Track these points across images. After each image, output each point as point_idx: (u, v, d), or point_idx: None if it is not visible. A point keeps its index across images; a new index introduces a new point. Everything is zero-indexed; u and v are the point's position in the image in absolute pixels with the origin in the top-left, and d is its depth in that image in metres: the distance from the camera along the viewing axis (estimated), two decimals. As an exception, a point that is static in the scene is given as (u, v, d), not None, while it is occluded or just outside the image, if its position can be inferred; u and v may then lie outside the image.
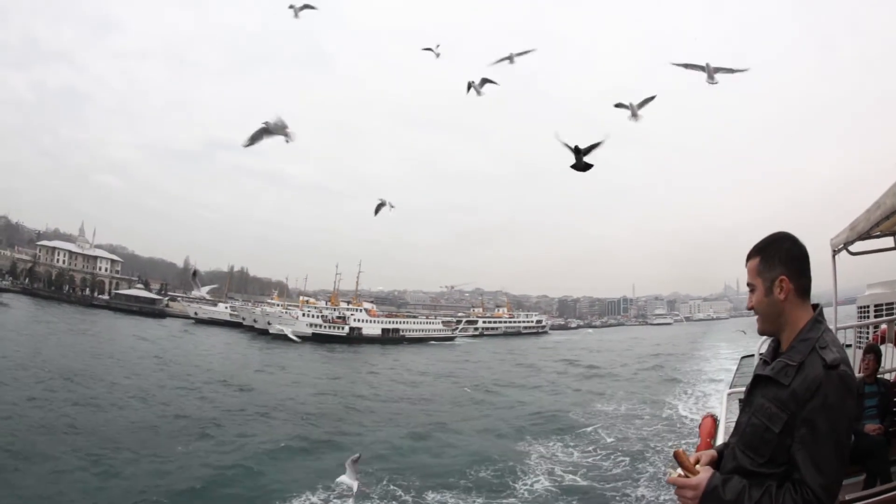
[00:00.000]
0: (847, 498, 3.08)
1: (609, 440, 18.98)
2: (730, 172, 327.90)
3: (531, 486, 14.39)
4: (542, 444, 18.47)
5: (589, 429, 20.75)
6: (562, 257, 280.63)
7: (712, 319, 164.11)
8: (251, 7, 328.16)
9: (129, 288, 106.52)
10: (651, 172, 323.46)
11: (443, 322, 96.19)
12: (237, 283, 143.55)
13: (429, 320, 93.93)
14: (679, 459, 1.84)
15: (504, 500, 13.49)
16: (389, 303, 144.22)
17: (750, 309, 1.95)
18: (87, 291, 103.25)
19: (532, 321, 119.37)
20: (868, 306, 10.34)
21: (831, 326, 5.14)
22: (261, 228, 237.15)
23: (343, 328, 74.24)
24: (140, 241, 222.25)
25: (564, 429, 20.84)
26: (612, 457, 16.83)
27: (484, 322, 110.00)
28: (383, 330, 79.59)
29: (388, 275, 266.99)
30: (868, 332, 8.80)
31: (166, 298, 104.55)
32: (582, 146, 7.66)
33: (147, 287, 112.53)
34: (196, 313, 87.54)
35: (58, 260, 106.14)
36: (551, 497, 13.67)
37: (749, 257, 1.95)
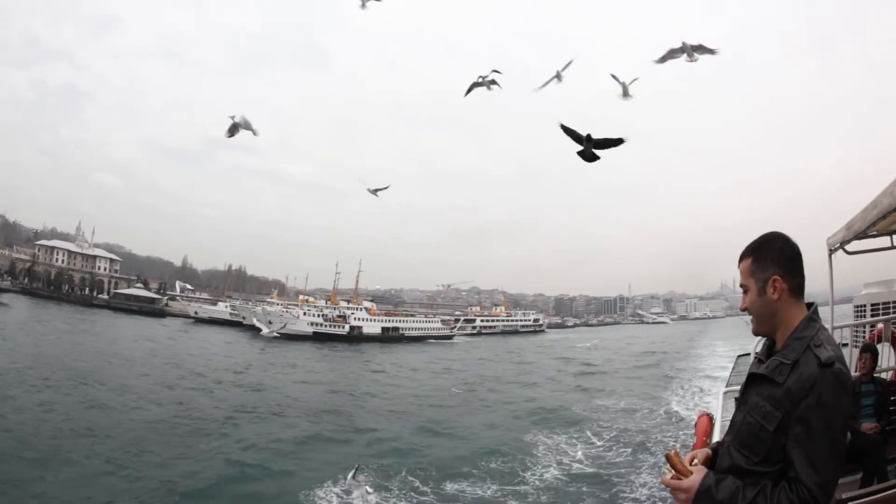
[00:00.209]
0: (844, 497, 2.98)
1: (611, 433, 19.91)
2: (729, 172, 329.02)
3: (541, 475, 15.25)
4: (546, 437, 19.38)
5: (590, 422, 21.73)
6: (559, 256, 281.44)
7: (708, 318, 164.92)
8: (251, 7, 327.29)
9: (129, 287, 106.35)
10: (649, 172, 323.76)
11: (441, 321, 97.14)
12: (234, 282, 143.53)
13: (427, 319, 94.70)
14: (671, 462, 1.86)
15: (517, 488, 14.29)
16: (386, 301, 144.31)
17: (744, 310, 1.95)
18: (87, 291, 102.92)
19: (529, 320, 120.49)
20: (864, 305, 10.26)
21: (827, 325, 5.36)
22: (259, 227, 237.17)
23: (344, 327, 74.77)
24: (137, 239, 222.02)
25: (567, 422, 21.82)
26: (615, 448, 17.86)
27: (482, 321, 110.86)
28: (383, 329, 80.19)
29: (385, 273, 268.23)
30: (865, 331, 8.79)
31: (166, 298, 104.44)
32: (594, 137, 7.44)
33: (146, 286, 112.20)
34: (196, 312, 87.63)
35: (57, 259, 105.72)
36: (561, 484, 14.58)
37: (741, 258, 1.96)
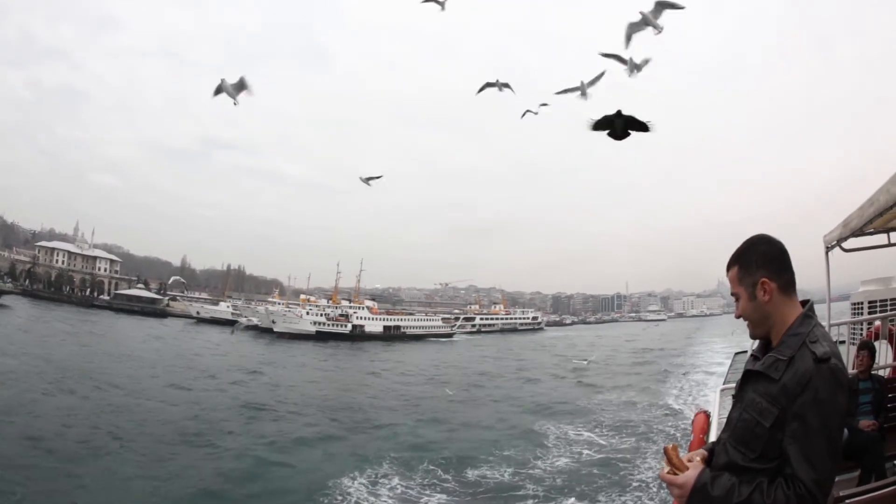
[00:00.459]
0: (841, 494, 2.99)
1: (614, 424, 20.86)
2: (728, 172, 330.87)
3: (552, 462, 16.25)
4: (555, 427, 20.38)
5: (594, 414, 22.73)
6: (557, 254, 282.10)
7: (705, 316, 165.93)
8: (251, 6, 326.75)
9: (129, 288, 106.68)
10: (648, 171, 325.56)
11: (442, 319, 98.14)
12: (233, 282, 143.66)
13: (428, 317, 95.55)
14: (668, 455, 1.86)
15: (532, 472, 15.27)
16: (384, 300, 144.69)
17: (738, 317, 1.96)
18: (87, 292, 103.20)
19: (528, 318, 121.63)
20: (862, 303, 10.31)
21: (824, 323, 5.50)
22: (258, 227, 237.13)
23: (346, 326, 75.56)
24: (135, 239, 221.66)
25: (572, 415, 22.76)
26: (619, 437, 18.85)
27: (481, 319, 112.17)
28: (385, 327, 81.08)
29: (384, 272, 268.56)
30: (862, 329, 8.91)
31: (167, 298, 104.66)
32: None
33: (147, 287, 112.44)
34: (198, 312, 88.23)
35: (57, 261, 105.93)
36: (573, 468, 15.59)
37: (728, 268, 1.95)
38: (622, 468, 15.22)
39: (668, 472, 1.84)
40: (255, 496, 13.23)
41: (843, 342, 8.71)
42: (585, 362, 32.40)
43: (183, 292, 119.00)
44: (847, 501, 2.95)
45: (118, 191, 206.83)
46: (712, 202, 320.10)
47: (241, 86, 9.25)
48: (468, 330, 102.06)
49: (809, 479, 1.60)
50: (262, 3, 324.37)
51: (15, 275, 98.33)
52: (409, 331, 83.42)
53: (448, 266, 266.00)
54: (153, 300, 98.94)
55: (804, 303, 1.88)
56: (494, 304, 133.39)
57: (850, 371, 5.04)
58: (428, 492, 13.72)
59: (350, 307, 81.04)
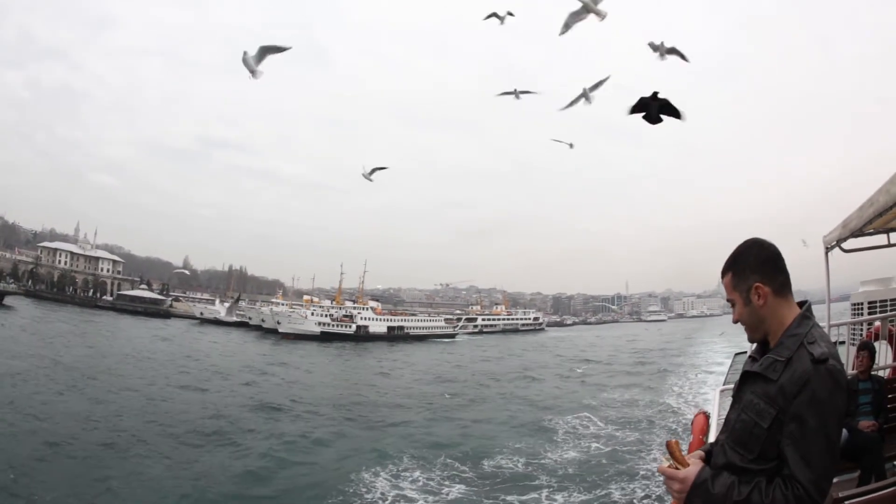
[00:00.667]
0: (841, 495, 2.98)
1: (618, 419, 21.84)
2: (728, 171, 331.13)
3: (562, 454, 17.19)
4: (562, 422, 21.41)
5: (599, 411, 23.56)
6: (557, 254, 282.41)
7: (706, 316, 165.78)
8: (251, 6, 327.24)
9: (132, 289, 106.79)
10: (647, 171, 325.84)
11: (445, 319, 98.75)
12: (235, 283, 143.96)
13: (431, 318, 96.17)
14: (671, 450, 1.86)
15: (543, 463, 16.17)
16: (385, 300, 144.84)
17: (736, 322, 1.97)
18: (90, 293, 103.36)
19: (529, 318, 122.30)
20: (862, 303, 10.35)
21: (824, 324, 5.49)
22: (257, 227, 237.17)
23: (350, 326, 75.97)
24: (136, 240, 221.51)
25: (578, 410, 23.60)
26: (623, 431, 19.79)
27: (483, 319, 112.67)
28: (388, 328, 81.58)
29: (384, 272, 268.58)
30: (862, 329, 8.90)
31: (170, 299, 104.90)
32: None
33: (149, 287, 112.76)
34: (202, 313, 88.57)
35: (59, 261, 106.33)
36: (582, 459, 16.55)
37: (723, 274, 1.96)
38: (629, 459, 16.10)
39: (669, 467, 1.85)
40: (284, 492, 13.68)
41: (842, 343, 8.83)
42: (580, 370, 32.92)
43: (185, 292, 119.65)
44: (847, 502, 2.98)
45: (117, 191, 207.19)
46: (712, 202, 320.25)
47: (263, 55, 8.80)
48: (470, 330, 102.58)
49: (807, 480, 1.60)
50: (262, 3, 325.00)
51: (17, 275, 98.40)
52: (412, 331, 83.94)
53: (448, 266, 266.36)
54: (157, 301, 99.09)
55: (802, 304, 1.89)
56: (496, 304, 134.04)
57: (850, 372, 5.16)
58: (448, 482, 14.44)
59: (354, 308, 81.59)
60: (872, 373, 4.99)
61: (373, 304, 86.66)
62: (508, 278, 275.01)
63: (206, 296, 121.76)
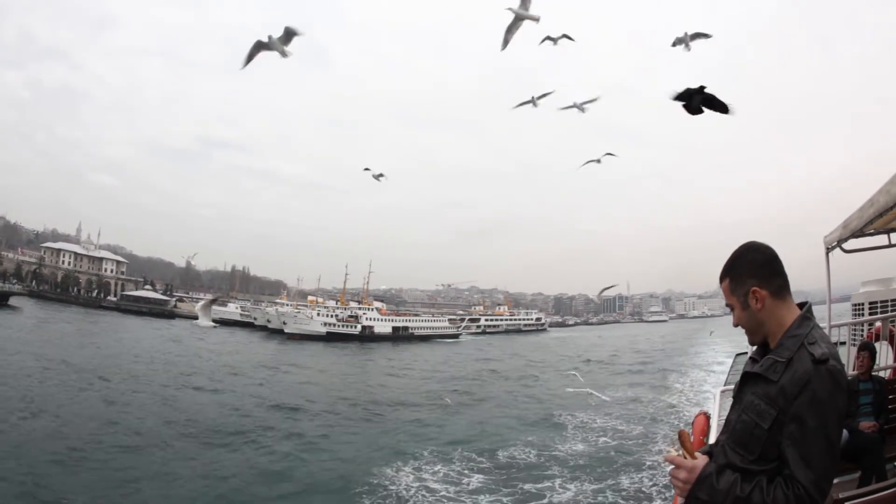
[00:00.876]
0: (842, 496, 2.97)
1: (624, 415, 22.77)
2: (729, 172, 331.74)
3: (572, 446, 18.06)
4: (569, 417, 22.42)
5: (604, 407, 24.46)
6: (557, 254, 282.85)
7: (707, 317, 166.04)
8: (251, 6, 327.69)
9: (136, 289, 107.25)
10: (648, 171, 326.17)
11: (449, 320, 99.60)
12: (238, 283, 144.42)
13: (435, 318, 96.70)
14: (682, 440, 1.87)
15: (554, 454, 17.14)
16: (387, 301, 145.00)
17: (736, 326, 1.98)
18: (94, 293, 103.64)
19: (532, 319, 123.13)
20: (863, 304, 10.33)
21: (825, 324, 5.43)
22: (257, 227, 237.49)
23: (356, 327, 76.55)
24: (138, 240, 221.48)
25: (584, 407, 24.54)
26: (629, 425, 20.76)
27: (486, 320, 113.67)
28: (393, 328, 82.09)
29: (385, 273, 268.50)
30: (863, 330, 8.89)
31: (174, 299, 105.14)
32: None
33: (153, 287, 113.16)
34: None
35: (63, 262, 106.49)
36: (591, 451, 17.49)
37: (721, 280, 1.97)
38: (636, 451, 17.01)
39: (677, 455, 1.86)
40: (312, 486, 14.18)
41: (843, 343, 8.74)
42: (576, 373, 33.55)
43: (188, 292, 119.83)
44: (847, 503, 2.98)
45: (118, 191, 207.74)
46: (712, 202, 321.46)
47: (288, 36, 8.81)
48: (474, 331, 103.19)
49: (807, 480, 1.60)
50: (262, 3, 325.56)
51: (21, 276, 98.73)
52: (416, 332, 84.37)
53: (449, 267, 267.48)
54: (161, 301, 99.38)
55: (802, 305, 1.89)
56: (498, 305, 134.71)
57: (851, 372, 5.17)
58: (467, 472, 15.29)
59: (359, 308, 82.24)
60: (873, 373, 5.00)
61: (378, 304, 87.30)
62: (509, 279, 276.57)
63: (208, 296, 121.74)
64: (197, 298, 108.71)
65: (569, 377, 33.65)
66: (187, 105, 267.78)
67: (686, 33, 9.79)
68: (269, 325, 74.59)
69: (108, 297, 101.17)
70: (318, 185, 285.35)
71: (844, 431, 3.81)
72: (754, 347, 2.01)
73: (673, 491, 2.21)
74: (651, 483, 14.06)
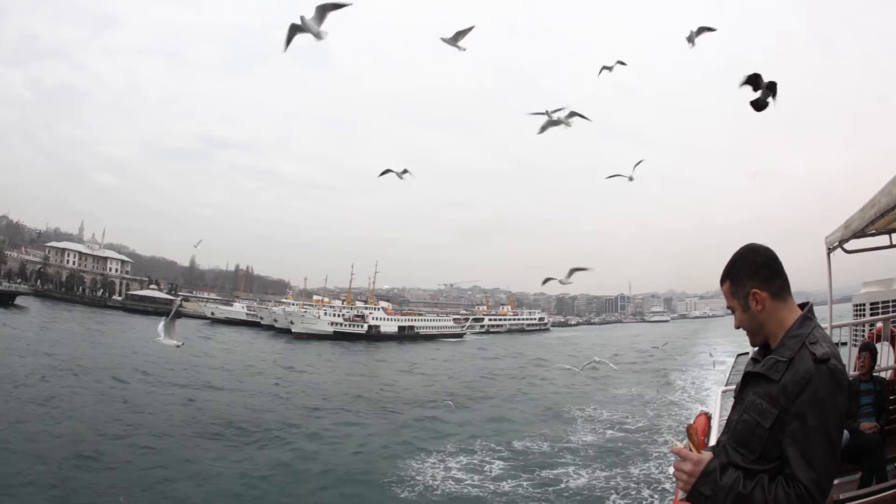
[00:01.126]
0: (842, 497, 2.96)
1: (630, 410, 23.76)
2: (729, 172, 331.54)
3: (582, 438, 19.16)
4: (578, 411, 23.55)
5: (611, 403, 25.51)
6: (558, 254, 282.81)
7: (708, 317, 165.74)
8: (251, 5, 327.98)
9: (141, 288, 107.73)
10: (648, 171, 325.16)
11: (453, 319, 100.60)
12: (242, 282, 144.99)
13: (440, 318, 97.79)
14: (690, 433, 1.88)
15: (566, 445, 18.17)
16: (390, 300, 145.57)
17: (737, 328, 1.98)
18: (99, 292, 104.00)
19: (535, 318, 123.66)
20: (864, 304, 10.45)
21: (826, 325, 5.45)
22: (258, 227, 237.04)
23: (362, 326, 77.27)
24: (140, 239, 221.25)
25: (591, 402, 25.71)
26: (635, 419, 21.86)
27: (490, 319, 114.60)
28: (399, 327, 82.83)
29: (386, 272, 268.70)
30: (864, 330, 8.80)
31: (179, 298, 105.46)
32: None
33: (158, 287, 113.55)
34: (213, 313, 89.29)
35: (67, 261, 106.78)
36: (600, 442, 18.51)
37: (721, 282, 1.97)
38: (643, 443, 18.04)
39: (683, 447, 1.85)
40: (341, 479, 14.73)
41: (844, 344, 9.06)
42: (576, 369, 34.10)
43: (192, 292, 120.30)
44: None
45: (119, 190, 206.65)
46: (713, 203, 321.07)
47: (323, 14, 8.27)
48: (478, 330, 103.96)
49: (808, 480, 1.60)
50: (262, 3, 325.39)
51: (25, 275, 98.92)
52: (422, 331, 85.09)
53: (450, 267, 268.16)
54: (167, 301, 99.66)
55: (804, 305, 1.89)
56: (501, 304, 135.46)
57: (852, 373, 5.17)
58: (488, 459, 16.38)
59: (366, 308, 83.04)
60: (874, 374, 4.99)
61: (384, 304, 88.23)
62: (511, 278, 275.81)
63: (212, 295, 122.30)
64: (201, 298, 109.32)
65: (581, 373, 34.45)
66: (188, 105, 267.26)
67: (692, 31, 9.87)
68: (276, 325, 75.12)
69: (114, 297, 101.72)
70: (319, 184, 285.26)
71: (845, 432, 3.89)
72: (756, 348, 2.02)
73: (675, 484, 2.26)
74: (658, 471, 14.93)
